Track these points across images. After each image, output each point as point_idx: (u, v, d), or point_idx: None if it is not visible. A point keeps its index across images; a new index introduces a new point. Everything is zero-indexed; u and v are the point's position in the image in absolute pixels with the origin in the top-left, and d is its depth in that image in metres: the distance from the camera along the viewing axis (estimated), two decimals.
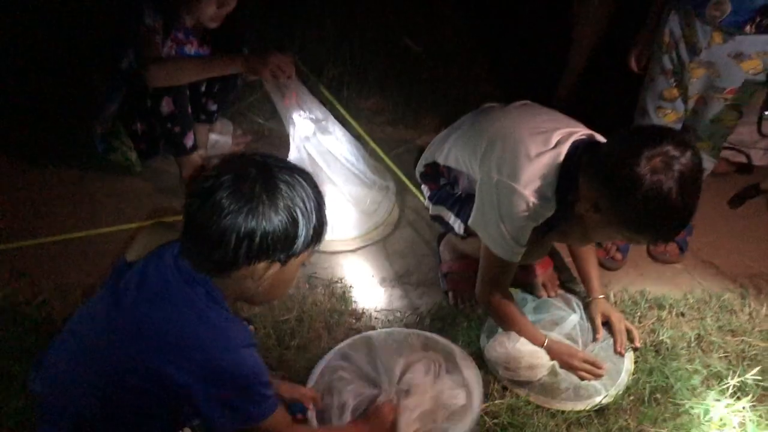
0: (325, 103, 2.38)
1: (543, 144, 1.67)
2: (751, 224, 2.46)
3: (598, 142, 1.69)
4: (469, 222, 1.82)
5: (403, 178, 2.42)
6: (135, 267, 1.30)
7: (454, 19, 3.21)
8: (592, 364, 1.86)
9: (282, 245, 1.22)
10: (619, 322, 1.97)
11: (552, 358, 1.85)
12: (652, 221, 1.49)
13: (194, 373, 1.19)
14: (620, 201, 1.49)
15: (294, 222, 1.21)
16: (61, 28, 2.91)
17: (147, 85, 2.11)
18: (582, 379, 1.85)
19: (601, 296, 2.02)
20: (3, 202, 2.38)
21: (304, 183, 1.24)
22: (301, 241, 1.23)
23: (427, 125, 2.79)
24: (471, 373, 1.80)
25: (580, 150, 1.63)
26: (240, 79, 2.44)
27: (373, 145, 2.49)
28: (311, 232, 1.25)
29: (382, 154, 2.47)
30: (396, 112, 2.85)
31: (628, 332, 1.96)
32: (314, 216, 1.25)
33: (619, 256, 2.27)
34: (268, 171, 1.21)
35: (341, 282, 2.15)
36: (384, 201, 2.38)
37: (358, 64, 2.95)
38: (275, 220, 1.18)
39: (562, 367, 1.86)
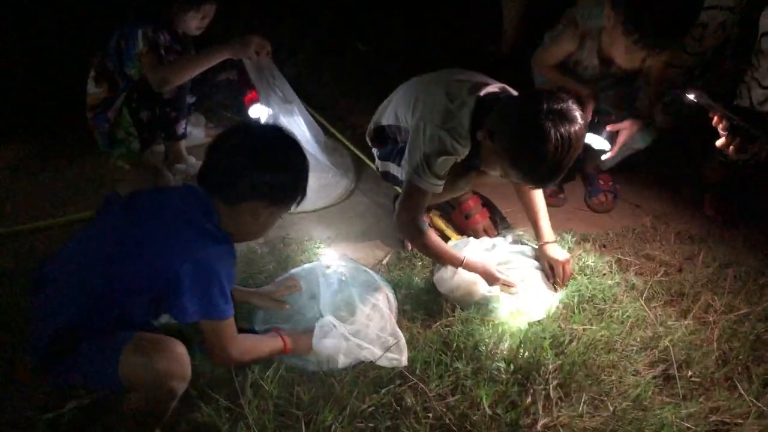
0: None
1: (459, 94, 1.99)
2: (653, 176, 2.85)
3: (509, 92, 2.02)
4: (401, 163, 2.12)
5: (357, 151, 2.75)
6: (144, 194, 1.62)
7: (393, 21, 3.58)
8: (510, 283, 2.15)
9: (284, 194, 1.63)
10: (563, 266, 2.23)
11: (472, 272, 2.13)
12: (526, 166, 1.81)
13: (176, 268, 1.49)
14: (507, 139, 1.81)
15: (296, 179, 1.63)
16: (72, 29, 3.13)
17: (156, 90, 2.38)
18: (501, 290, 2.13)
19: (550, 240, 2.29)
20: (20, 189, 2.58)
21: (303, 153, 1.66)
22: (296, 195, 1.66)
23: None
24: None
25: (490, 97, 1.97)
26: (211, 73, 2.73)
27: (331, 128, 2.83)
28: (302, 190, 1.66)
29: (337, 134, 2.81)
30: (349, 100, 3.18)
31: (565, 276, 2.23)
32: (303, 178, 1.66)
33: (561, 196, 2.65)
34: (280, 135, 1.64)
35: (311, 240, 2.44)
36: (341, 171, 2.71)
37: (314, 62, 3.28)
38: (287, 175, 1.60)
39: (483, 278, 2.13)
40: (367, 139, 2.44)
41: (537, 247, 2.32)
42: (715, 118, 1.79)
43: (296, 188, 1.66)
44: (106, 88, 2.45)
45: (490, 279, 2.14)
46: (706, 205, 2.67)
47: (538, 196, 2.30)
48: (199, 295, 1.52)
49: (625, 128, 2.44)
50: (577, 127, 1.75)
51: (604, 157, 2.48)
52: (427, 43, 3.46)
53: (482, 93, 1.98)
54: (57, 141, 2.78)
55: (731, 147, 1.77)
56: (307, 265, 2.25)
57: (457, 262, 2.15)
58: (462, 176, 2.14)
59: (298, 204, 1.72)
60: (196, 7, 2.41)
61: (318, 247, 2.38)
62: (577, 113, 1.77)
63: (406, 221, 2.13)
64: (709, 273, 2.30)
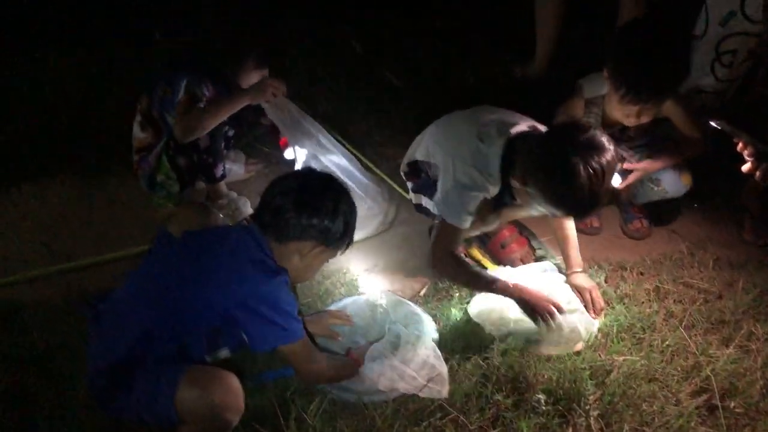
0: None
1: (489, 133, 2.05)
2: (689, 200, 2.78)
3: (539, 130, 2.06)
4: (434, 198, 2.18)
5: (392, 183, 2.82)
6: (201, 233, 1.74)
7: (426, 58, 3.66)
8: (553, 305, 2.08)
9: (331, 238, 1.73)
10: (591, 293, 2.24)
11: (511, 295, 2.11)
12: (564, 202, 1.86)
13: (241, 300, 1.58)
14: (541, 178, 1.85)
15: (343, 226, 1.74)
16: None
17: (179, 141, 2.45)
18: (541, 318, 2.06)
19: (578, 270, 2.32)
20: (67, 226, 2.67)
21: (352, 201, 1.79)
22: (344, 240, 1.77)
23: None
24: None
25: (520, 136, 2.01)
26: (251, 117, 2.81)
27: (365, 160, 2.90)
28: (350, 235, 1.78)
29: (372, 166, 2.88)
30: (383, 135, 3.24)
31: (594, 303, 2.23)
32: (352, 222, 1.78)
33: (596, 223, 2.65)
34: (332, 183, 1.75)
35: (349, 272, 2.48)
36: (378, 203, 2.76)
37: (346, 98, 3.36)
38: (333, 221, 1.71)
39: (520, 301, 2.09)
40: (401, 172, 2.49)
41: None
42: (740, 145, 1.81)
43: (343, 234, 1.76)
44: (151, 133, 2.54)
45: (530, 305, 2.11)
46: (745, 230, 2.65)
47: (568, 224, 2.33)
48: (269, 323, 1.62)
49: (641, 167, 2.44)
50: (607, 156, 1.79)
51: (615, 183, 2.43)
52: (453, 72, 3.53)
53: (512, 132, 2.03)
54: (102, 180, 2.87)
55: (758, 173, 1.79)
56: (349, 299, 2.30)
57: (493, 287, 2.14)
58: (492, 212, 2.19)
59: (346, 249, 1.81)
60: (265, 66, 2.52)
61: (356, 280, 2.43)
62: (604, 141, 1.81)
63: (440, 256, 2.19)
64: (750, 300, 2.28)
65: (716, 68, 2.55)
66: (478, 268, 2.26)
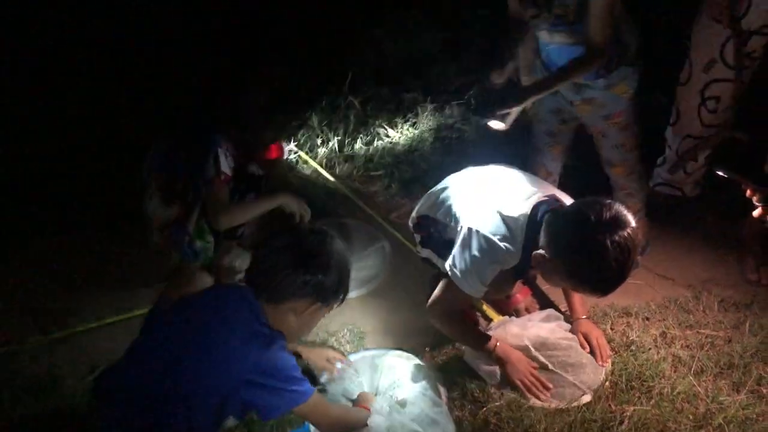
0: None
1: (513, 201, 2.02)
2: (693, 240, 2.85)
3: (559, 202, 2.04)
4: (446, 263, 2.13)
5: (398, 235, 2.84)
6: (195, 300, 1.73)
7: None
8: (541, 384, 2.13)
9: (325, 294, 1.72)
10: (597, 340, 2.26)
11: (499, 362, 2.15)
12: (590, 280, 1.83)
13: (244, 379, 1.58)
14: (565, 257, 1.83)
15: (337, 280, 1.73)
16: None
17: (217, 228, 2.44)
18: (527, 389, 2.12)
19: (584, 317, 2.33)
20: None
21: (344, 254, 1.78)
22: (338, 294, 1.76)
23: (412, 193, 3.21)
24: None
25: (542, 208, 1.98)
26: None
27: (369, 210, 2.94)
28: (345, 289, 1.77)
29: (379, 218, 2.91)
30: (383, 186, 3.28)
31: (602, 350, 2.24)
32: (345, 277, 1.77)
33: None
34: (324, 238, 1.75)
35: (353, 328, 2.47)
36: (380, 258, 2.78)
37: (345, 150, 3.42)
38: (327, 276, 1.69)
39: (503, 370, 2.15)
40: (410, 224, 2.50)
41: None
42: (749, 191, 1.83)
43: (338, 288, 1.75)
44: (179, 206, 2.45)
45: (513, 377, 2.15)
46: (747, 270, 2.65)
47: None
48: (276, 392, 1.61)
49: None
50: (629, 230, 1.75)
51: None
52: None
53: (533, 204, 2.00)
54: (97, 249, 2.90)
55: None
56: (353, 355, 2.29)
57: (482, 348, 2.18)
58: (509, 281, 2.16)
59: (341, 303, 1.80)
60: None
61: (361, 337, 2.42)
62: (626, 215, 1.78)
63: (439, 314, 2.20)
64: (758, 342, 2.27)
65: (702, 114, 2.60)
66: (474, 329, 2.28)
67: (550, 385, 2.13)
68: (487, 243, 2.00)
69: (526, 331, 2.31)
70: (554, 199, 2.04)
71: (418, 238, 2.44)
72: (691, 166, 2.81)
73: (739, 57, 2.31)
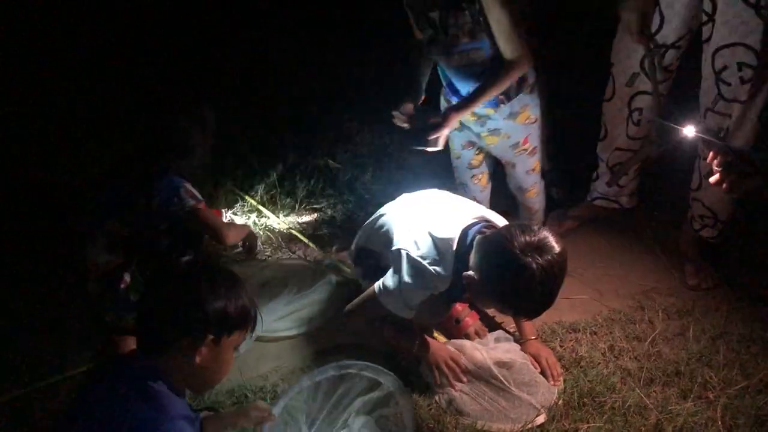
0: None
1: (444, 224, 2.02)
2: (634, 251, 2.90)
3: (491, 224, 2.05)
4: (375, 285, 2.11)
5: (344, 268, 2.80)
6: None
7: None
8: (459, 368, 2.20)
9: (211, 322, 1.53)
10: (546, 360, 2.27)
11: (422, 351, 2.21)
12: (516, 303, 1.84)
13: None
14: (493, 280, 1.83)
15: (226, 305, 1.55)
16: None
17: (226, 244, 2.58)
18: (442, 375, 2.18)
19: (533, 337, 2.35)
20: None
21: (222, 273, 1.61)
22: (230, 321, 1.56)
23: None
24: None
25: (473, 231, 1.99)
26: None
27: (312, 245, 2.90)
28: (236, 314, 1.57)
29: (322, 253, 2.87)
30: (326, 218, 3.25)
31: (552, 369, 2.25)
32: (236, 300, 1.57)
33: None
34: (193, 270, 1.68)
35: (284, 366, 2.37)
36: (326, 294, 2.72)
37: (285, 185, 3.38)
38: (206, 303, 1.52)
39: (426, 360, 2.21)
40: (348, 258, 2.48)
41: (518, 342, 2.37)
42: (711, 154, 1.84)
43: (233, 314, 1.58)
44: (122, 253, 2.43)
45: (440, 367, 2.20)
46: (687, 276, 2.71)
47: None
48: None
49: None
50: (556, 255, 1.76)
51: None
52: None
53: (465, 225, 2.01)
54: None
55: (725, 184, 1.83)
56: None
57: (415, 348, 2.22)
58: (442, 305, 2.17)
59: (246, 329, 1.64)
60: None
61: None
62: (554, 240, 1.78)
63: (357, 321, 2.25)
64: (701, 347, 2.32)
65: (629, 126, 2.67)
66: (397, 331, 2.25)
67: (465, 379, 2.19)
68: (416, 267, 1.99)
69: (488, 353, 2.31)
70: (485, 222, 2.05)
71: (359, 271, 2.42)
72: (624, 179, 2.87)
73: (653, 70, 2.38)
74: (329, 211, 3.25)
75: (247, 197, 3.28)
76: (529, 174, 2.62)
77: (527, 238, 1.76)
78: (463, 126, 2.53)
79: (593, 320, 2.52)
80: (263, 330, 2.47)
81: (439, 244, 1.99)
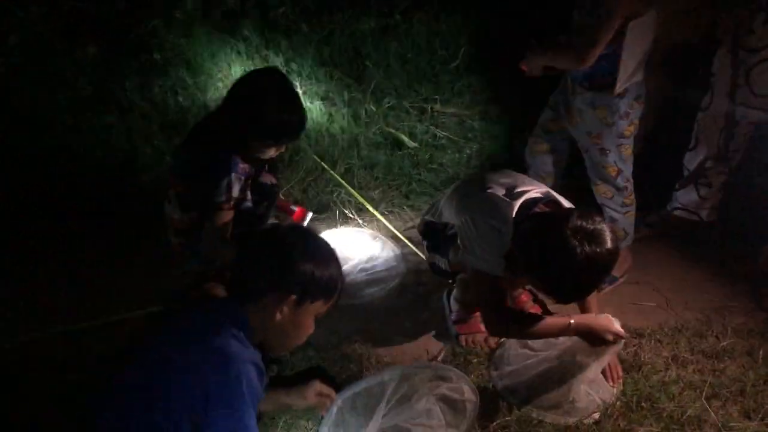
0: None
1: (505, 195, 2.06)
2: (709, 265, 2.84)
3: (554, 201, 2.07)
4: (459, 256, 2.16)
5: (407, 242, 2.87)
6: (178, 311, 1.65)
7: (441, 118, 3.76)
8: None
9: (310, 285, 1.60)
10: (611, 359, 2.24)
11: (581, 334, 2.10)
12: (550, 280, 1.85)
13: (212, 376, 1.45)
14: (535, 254, 1.85)
15: (318, 270, 1.60)
16: None
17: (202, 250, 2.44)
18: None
19: None
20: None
21: (325, 245, 1.69)
22: (326, 289, 1.63)
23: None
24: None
25: (529, 204, 2.02)
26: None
27: (384, 220, 2.96)
28: (322, 282, 1.62)
29: (387, 223, 2.94)
30: (400, 196, 3.31)
31: (612, 371, 2.24)
32: (325, 269, 1.63)
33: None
34: (301, 232, 1.72)
35: (360, 341, 2.46)
36: (391, 263, 2.82)
37: (364, 158, 3.44)
38: (311, 267, 1.59)
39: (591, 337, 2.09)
40: (418, 231, 2.54)
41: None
42: None
43: (323, 282, 1.62)
44: (196, 215, 2.44)
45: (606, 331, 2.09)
46: (763, 298, 2.64)
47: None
48: (228, 412, 1.44)
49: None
50: (605, 250, 1.76)
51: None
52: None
53: (527, 198, 2.03)
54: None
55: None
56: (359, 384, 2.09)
57: (567, 327, 2.09)
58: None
59: (334, 302, 1.69)
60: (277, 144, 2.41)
61: (370, 352, 2.41)
62: (608, 235, 1.79)
63: (494, 318, 2.16)
64: None
65: (721, 138, 2.62)
66: (541, 317, 2.16)
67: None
68: (486, 224, 2.03)
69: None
70: (550, 199, 2.06)
71: (425, 244, 2.47)
72: (706, 191, 2.81)
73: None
74: (405, 188, 3.31)
75: (326, 167, 3.35)
76: (596, 168, 2.60)
77: (583, 223, 1.77)
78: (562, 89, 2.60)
79: (659, 328, 2.49)
80: None
81: (501, 207, 2.01)
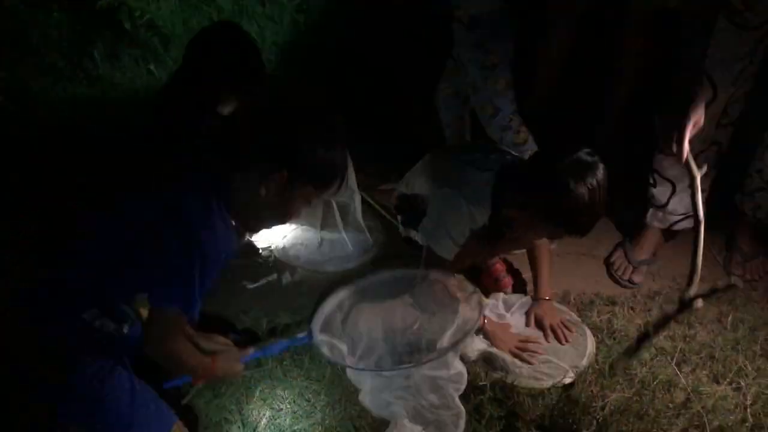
0: None
1: (478, 163, 2.07)
2: (677, 236, 2.83)
3: (524, 161, 2.11)
4: (419, 227, 2.19)
5: (385, 214, 2.87)
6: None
7: None
8: (530, 350, 2.19)
9: (298, 160, 1.44)
10: (550, 324, 2.29)
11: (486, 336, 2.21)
12: (566, 220, 1.87)
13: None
14: (544, 202, 1.86)
15: (320, 153, 1.45)
16: None
17: None
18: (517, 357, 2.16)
19: (546, 298, 2.35)
20: None
21: (330, 122, 1.49)
22: (317, 169, 1.47)
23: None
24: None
25: (508, 165, 2.05)
26: None
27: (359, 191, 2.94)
28: (318, 159, 1.45)
29: (365, 196, 2.92)
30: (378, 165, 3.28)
31: (554, 331, 2.28)
32: (328, 151, 1.46)
33: (637, 279, 2.62)
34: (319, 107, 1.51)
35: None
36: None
37: None
38: (301, 140, 1.43)
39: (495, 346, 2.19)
40: (392, 205, 2.53)
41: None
42: None
43: (319, 162, 1.47)
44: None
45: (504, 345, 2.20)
46: (732, 265, 2.69)
47: (542, 255, 2.35)
48: (178, 271, 1.39)
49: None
50: (597, 170, 1.81)
51: None
52: None
53: (502, 162, 2.06)
54: None
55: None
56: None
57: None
58: (481, 245, 2.17)
59: (324, 189, 1.54)
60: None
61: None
62: (590, 158, 1.83)
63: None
64: (738, 336, 2.31)
65: None
66: None
67: (540, 351, 2.20)
68: (453, 198, 2.04)
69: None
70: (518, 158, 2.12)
71: (399, 218, 2.46)
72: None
73: None
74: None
75: None
76: None
77: (566, 158, 1.81)
78: None
79: (632, 296, 2.53)
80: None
81: (475, 177, 2.03)
